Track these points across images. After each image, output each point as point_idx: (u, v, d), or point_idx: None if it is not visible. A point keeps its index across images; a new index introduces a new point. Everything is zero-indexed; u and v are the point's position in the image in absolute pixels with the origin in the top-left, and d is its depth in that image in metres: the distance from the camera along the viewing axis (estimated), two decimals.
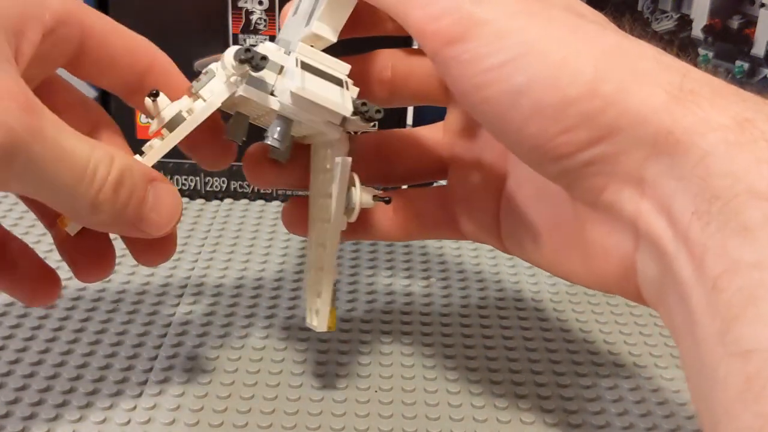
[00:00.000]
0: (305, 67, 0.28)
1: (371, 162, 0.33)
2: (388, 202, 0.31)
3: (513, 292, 0.42)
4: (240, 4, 0.46)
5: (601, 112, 0.23)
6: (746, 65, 0.49)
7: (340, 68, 0.29)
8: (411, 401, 0.34)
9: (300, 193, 0.34)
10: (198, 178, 0.51)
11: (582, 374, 0.36)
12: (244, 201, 0.51)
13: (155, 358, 0.35)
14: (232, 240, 0.46)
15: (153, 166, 0.29)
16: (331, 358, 0.36)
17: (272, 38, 0.47)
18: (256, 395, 0.33)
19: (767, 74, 0.49)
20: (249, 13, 0.47)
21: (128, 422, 0.32)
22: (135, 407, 0.32)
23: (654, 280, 0.23)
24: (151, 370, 0.35)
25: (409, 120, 0.50)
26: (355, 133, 0.31)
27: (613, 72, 0.23)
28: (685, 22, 0.48)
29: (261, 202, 0.51)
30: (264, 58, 0.27)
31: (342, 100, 0.28)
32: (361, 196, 0.30)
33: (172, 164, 0.50)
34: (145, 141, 0.51)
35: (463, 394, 0.34)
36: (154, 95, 0.28)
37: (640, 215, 0.23)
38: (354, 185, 0.30)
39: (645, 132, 0.22)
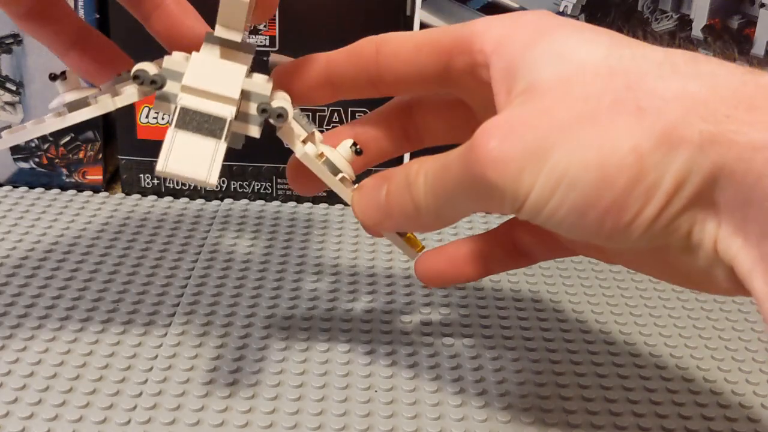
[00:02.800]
0: (182, 119, 0.29)
1: (399, 129, 0.33)
2: (359, 153, 0.32)
3: (512, 292, 0.42)
4: None
5: (660, 179, 0.23)
6: (746, 65, 0.49)
7: (231, 89, 0.29)
8: (411, 401, 0.34)
9: None
10: None
11: (581, 374, 0.36)
12: (244, 201, 0.51)
13: (155, 358, 0.35)
14: (232, 240, 0.46)
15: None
16: (331, 357, 0.36)
17: (272, 38, 0.48)
18: (256, 394, 0.33)
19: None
20: None
21: (128, 422, 0.32)
22: (135, 407, 0.32)
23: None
24: (150, 370, 0.35)
25: None
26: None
27: (649, 136, 0.23)
28: (685, 22, 0.48)
29: (261, 202, 0.51)
30: (153, 81, 0.29)
31: (208, 168, 0.28)
32: (340, 161, 0.31)
33: None
34: (145, 141, 0.51)
35: (462, 394, 0.34)
36: (62, 75, 0.30)
37: (719, 242, 0.23)
38: (329, 159, 0.31)
39: (702, 172, 0.22)
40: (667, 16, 0.48)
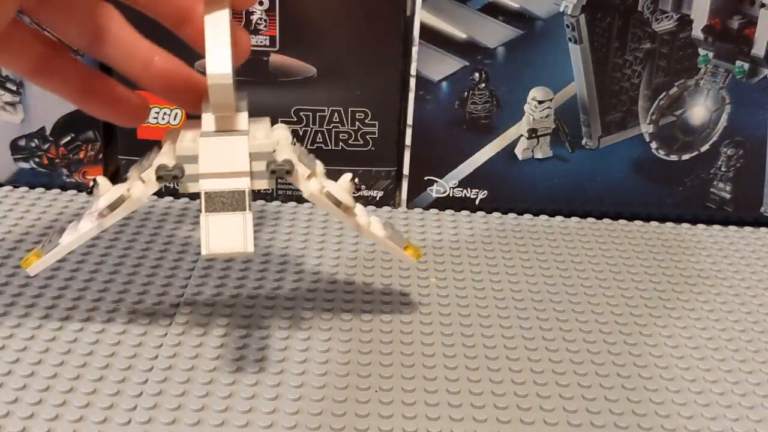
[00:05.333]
0: (208, 202, 0.32)
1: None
2: (358, 186, 0.36)
3: (512, 292, 0.42)
4: None
5: None
6: (746, 65, 0.49)
7: (241, 163, 0.32)
8: (411, 401, 0.34)
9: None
10: None
11: (582, 374, 0.36)
12: None
13: (156, 357, 0.35)
14: None
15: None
16: (331, 358, 0.36)
17: (272, 38, 0.47)
18: (256, 395, 0.33)
19: (767, 74, 0.49)
20: (249, 13, 0.47)
21: (128, 422, 0.32)
22: (135, 407, 0.32)
23: None
24: (151, 369, 0.35)
25: (410, 120, 0.50)
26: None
27: None
28: (685, 22, 0.48)
29: (261, 202, 0.51)
30: (175, 177, 0.32)
31: (243, 239, 0.32)
32: (340, 194, 0.35)
33: None
34: (145, 141, 0.51)
35: (463, 393, 0.34)
36: (93, 185, 0.34)
37: None
38: (326, 190, 0.35)
39: None
40: (667, 16, 0.48)
